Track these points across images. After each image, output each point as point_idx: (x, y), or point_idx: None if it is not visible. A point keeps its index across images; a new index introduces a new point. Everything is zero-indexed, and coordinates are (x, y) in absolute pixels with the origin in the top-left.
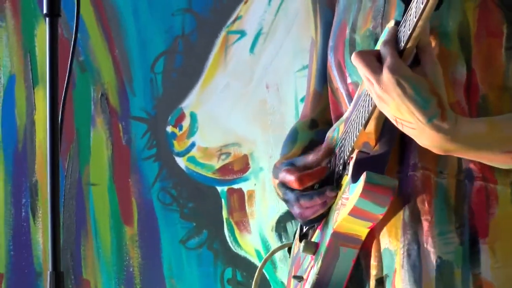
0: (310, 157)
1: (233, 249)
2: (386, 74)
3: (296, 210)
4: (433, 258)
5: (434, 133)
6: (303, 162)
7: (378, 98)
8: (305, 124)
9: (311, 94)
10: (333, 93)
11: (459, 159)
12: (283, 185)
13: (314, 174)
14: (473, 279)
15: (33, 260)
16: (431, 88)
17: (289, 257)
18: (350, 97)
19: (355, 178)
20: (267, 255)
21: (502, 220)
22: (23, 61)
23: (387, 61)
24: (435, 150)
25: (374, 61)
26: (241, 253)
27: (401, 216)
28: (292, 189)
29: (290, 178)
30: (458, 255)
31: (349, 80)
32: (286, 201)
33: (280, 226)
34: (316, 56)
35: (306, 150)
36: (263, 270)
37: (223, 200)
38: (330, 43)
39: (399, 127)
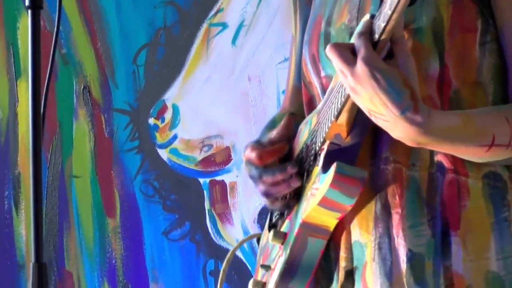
0: (274, 133)
1: (216, 241)
2: (360, 66)
3: (261, 187)
4: (403, 250)
5: (407, 125)
6: (267, 138)
7: (351, 90)
8: (284, 114)
9: (290, 89)
10: (306, 87)
11: (431, 152)
12: (249, 162)
13: (274, 151)
14: (444, 271)
15: (15, 252)
16: (404, 81)
17: (258, 247)
18: (324, 90)
19: (325, 168)
20: (235, 246)
21: (473, 213)
22: (6, 53)
23: (361, 52)
24: (408, 143)
25: (348, 53)
26: (224, 244)
27: (373, 209)
28: (256, 166)
29: (252, 155)
30: (430, 247)
31: (323, 74)
32: (251, 177)
33: (262, 217)
34: (295, 52)
35: None
36: (245, 261)
37: (205, 192)
38: (305, 37)
39: (373, 119)
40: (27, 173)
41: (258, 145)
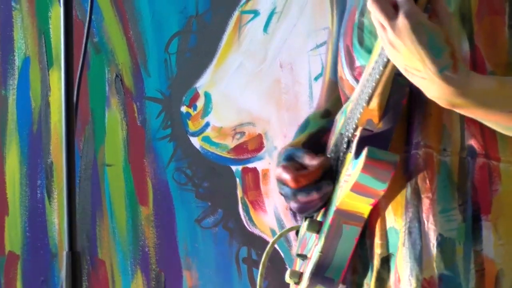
0: (307, 159)
1: (248, 228)
2: (402, 19)
3: (293, 205)
4: (434, 235)
5: (444, 84)
6: (301, 160)
7: (389, 44)
8: (318, 113)
9: (326, 83)
10: (339, 82)
11: (462, 136)
12: (280, 182)
13: (310, 175)
14: (475, 256)
15: (48, 241)
16: (446, 38)
17: (297, 240)
18: (358, 81)
19: (357, 154)
20: (274, 238)
21: (505, 197)
22: (38, 43)
23: (404, 6)
24: (443, 103)
25: (389, 7)
26: (256, 232)
27: (405, 195)
28: (289, 187)
29: (286, 177)
30: (461, 232)
31: (357, 64)
32: (283, 195)
33: None
34: (332, 46)
35: (313, 137)
36: (278, 249)
37: (237, 179)
38: (341, 30)
39: (409, 76)
40: (60, 162)
41: (291, 164)
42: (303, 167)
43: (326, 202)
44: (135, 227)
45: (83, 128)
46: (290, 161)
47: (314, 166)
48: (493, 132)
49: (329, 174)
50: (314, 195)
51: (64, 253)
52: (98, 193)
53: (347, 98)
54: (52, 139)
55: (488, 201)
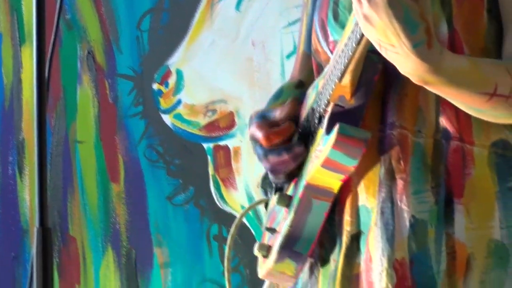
0: (278, 112)
1: (219, 206)
2: None
3: (266, 165)
4: (406, 216)
5: (418, 60)
6: (272, 116)
7: (364, 18)
8: (292, 83)
9: (299, 55)
10: (314, 55)
11: (437, 118)
12: (254, 140)
13: (281, 132)
14: (446, 238)
15: (19, 218)
16: (421, 13)
17: (266, 212)
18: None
19: (328, 130)
20: (243, 211)
21: (478, 181)
22: (10, 19)
23: None
24: (415, 79)
25: None
26: (227, 209)
27: (379, 174)
28: (261, 145)
29: (259, 136)
30: (433, 214)
31: (330, 39)
32: (256, 155)
33: (266, 182)
34: (306, 18)
35: None
36: (249, 226)
37: (209, 157)
38: (316, 3)
39: (382, 52)
40: (31, 139)
41: (263, 122)
42: (276, 125)
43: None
44: (106, 204)
45: (55, 104)
46: (263, 120)
47: (284, 122)
48: (468, 116)
49: (301, 137)
50: (285, 156)
51: (35, 229)
52: (69, 169)
53: (322, 71)
54: (24, 115)
55: (461, 184)
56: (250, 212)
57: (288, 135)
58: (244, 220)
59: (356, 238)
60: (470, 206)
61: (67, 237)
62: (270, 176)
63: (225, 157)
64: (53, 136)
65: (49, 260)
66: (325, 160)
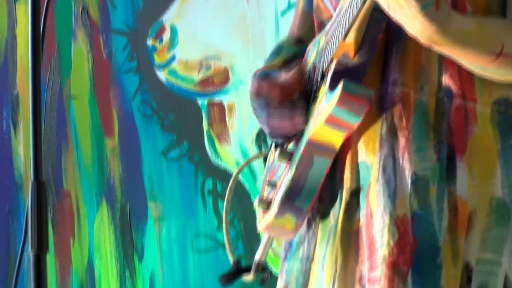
0: (283, 76)
1: (214, 161)
2: None
3: (266, 128)
4: (408, 173)
5: (426, 21)
6: (277, 78)
7: None
8: (291, 40)
9: (299, 12)
10: (315, 12)
11: (439, 77)
12: (256, 98)
13: (287, 81)
14: (448, 196)
15: (14, 172)
16: None
17: (265, 167)
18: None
19: (332, 87)
20: (243, 163)
21: (480, 139)
22: None
23: None
24: (422, 40)
25: None
26: (221, 164)
27: (379, 131)
28: (262, 107)
29: (265, 92)
30: (435, 171)
31: None
32: (256, 116)
33: (260, 138)
34: None
35: (288, 62)
36: (243, 181)
37: (203, 113)
38: None
39: (391, 12)
40: (26, 94)
41: (267, 81)
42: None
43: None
44: (100, 159)
45: (49, 60)
46: (266, 78)
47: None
48: (470, 74)
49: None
50: (286, 122)
51: (30, 183)
52: (63, 125)
53: (323, 28)
54: (19, 71)
55: (463, 142)
56: (245, 169)
57: (294, 85)
58: (239, 176)
59: (355, 193)
60: (472, 164)
61: (62, 191)
62: (269, 137)
63: (219, 112)
64: (47, 91)
65: (43, 214)
66: (328, 117)
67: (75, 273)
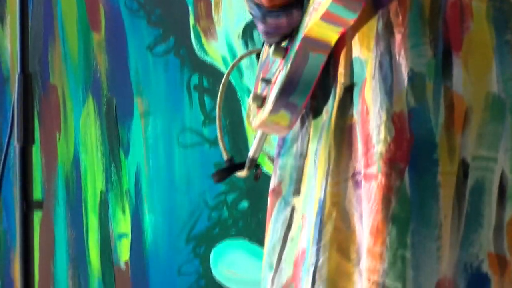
0: None
1: (200, 56)
2: None
3: (260, 26)
4: (404, 70)
5: None
6: None
7: None
8: None
9: None
10: None
11: None
12: None
13: None
14: (444, 92)
15: (1, 66)
16: None
17: (257, 63)
18: None
19: None
20: (235, 60)
21: (476, 35)
22: None
23: None
24: None
25: None
26: (208, 59)
27: (375, 27)
28: (260, 7)
29: None
30: (431, 67)
31: None
32: (252, 15)
33: (247, 33)
34: None
35: None
36: (230, 78)
37: (190, 7)
38: None
39: None
40: None
41: None
42: None
43: (292, 31)
44: (87, 52)
45: None
46: None
47: None
48: None
49: (300, 3)
50: (283, 20)
51: (16, 75)
52: (50, 18)
53: None
54: None
55: (459, 38)
56: (230, 62)
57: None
58: (224, 70)
59: (349, 90)
60: (468, 60)
61: (48, 85)
62: (264, 37)
63: (206, 8)
64: None
65: (30, 107)
66: (324, 13)
67: (61, 168)
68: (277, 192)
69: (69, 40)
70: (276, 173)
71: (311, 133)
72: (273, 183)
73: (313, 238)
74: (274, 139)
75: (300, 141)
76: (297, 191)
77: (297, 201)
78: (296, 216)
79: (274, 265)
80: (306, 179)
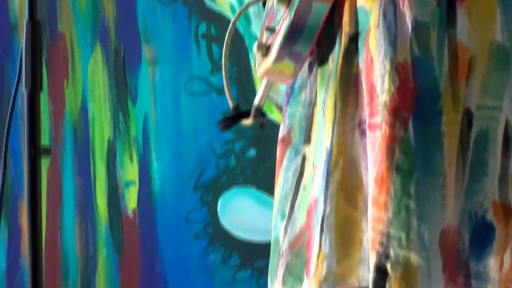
0: None
1: (208, 5)
2: None
3: None
4: (408, 19)
5: None
6: None
7: None
8: None
9: None
10: None
11: None
12: None
13: None
14: (448, 41)
15: (9, 14)
16: None
17: (263, 11)
18: None
19: None
20: (242, 7)
21: None
22: None
23: None
24: None
25: None
26: (216, 8)
27: None
28: None
29: None
30: (435, 16)
31: None
32: None
33: None
34: None
35: None
36: (237, 25)
37: None
38: None
39: None
40: None
41: None
42: None
43: None
44: (95, 0)
45: None
46: None
47: None
48: None
49: None
50: None
51: (24, 22)
52: None
53: None
54: None
55: None
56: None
57: None
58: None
59: (354, 38)
60: (472, 9)
61: (56, 33)
62: None
63: None
64: None
65: (38, 54)
66: None
67: (68, 115)
68: (287, 140)
69: None
70: (285, 121)
71: (319, 81)
72: (282, 132)
73: (321, 187)
74: (282, 88)
75: (308, 89)
76: (307, 140)
77: (308, 150)
78: (307, 165)
79: (287, 214)
80: (316, 127)
